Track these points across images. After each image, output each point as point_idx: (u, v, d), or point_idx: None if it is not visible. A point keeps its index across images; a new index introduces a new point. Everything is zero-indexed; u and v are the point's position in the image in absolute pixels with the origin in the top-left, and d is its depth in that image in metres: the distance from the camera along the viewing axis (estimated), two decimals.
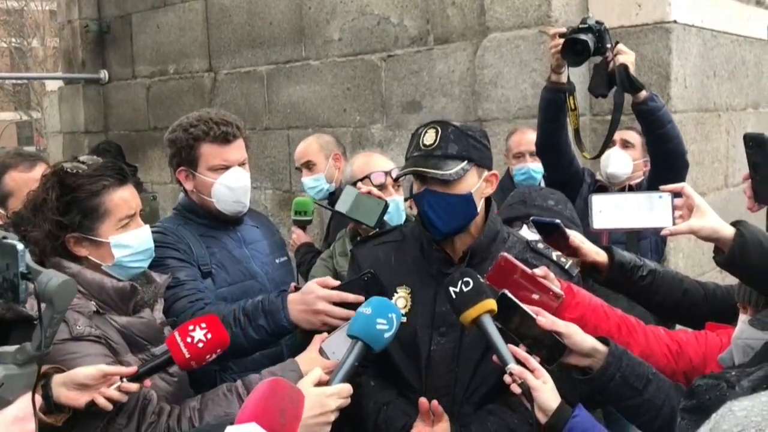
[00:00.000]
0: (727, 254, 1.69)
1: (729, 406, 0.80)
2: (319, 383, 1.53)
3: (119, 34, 6.93)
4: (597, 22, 2.76)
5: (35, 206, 1.81)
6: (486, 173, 1.86)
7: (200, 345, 1.60)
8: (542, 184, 3.56)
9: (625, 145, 3.37)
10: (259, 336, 2.01)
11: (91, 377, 1.55)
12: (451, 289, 1.66)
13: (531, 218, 2.05)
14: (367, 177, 2.61)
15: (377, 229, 2.25)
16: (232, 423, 1.22)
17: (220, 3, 5.91)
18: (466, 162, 1.78)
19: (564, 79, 2.89)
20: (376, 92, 4.97)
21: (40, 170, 2.30)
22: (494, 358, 1.62)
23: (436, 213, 1.78)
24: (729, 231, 1.71)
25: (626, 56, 2.75)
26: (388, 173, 2.61)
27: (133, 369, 1.61)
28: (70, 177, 1.81)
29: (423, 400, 1.76)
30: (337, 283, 1.93)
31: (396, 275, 1.90)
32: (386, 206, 2.33)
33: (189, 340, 1.60)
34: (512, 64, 4.20)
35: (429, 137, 1.79)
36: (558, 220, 2.03)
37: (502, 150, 4.22)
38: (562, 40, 2.76)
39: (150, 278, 1.96)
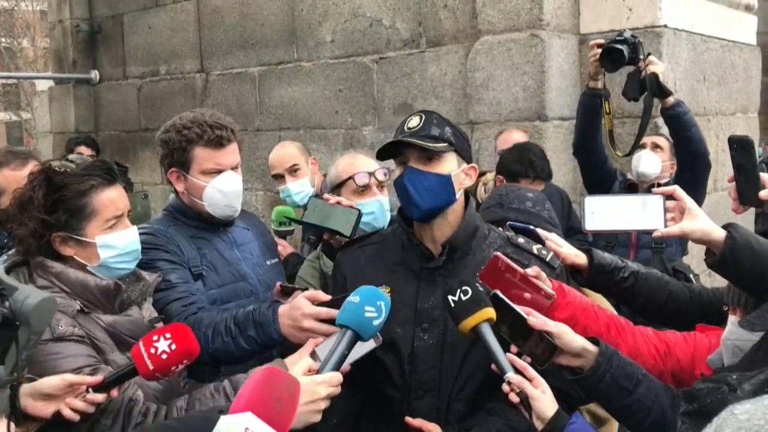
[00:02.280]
0: (718, 256, 1.70)
1: (731, 409, 0.79)
2: (309, 372, 1.52)
3: (110, 34, 6.90)
4: (632, 35, 3.23)
5: (22, 204, 1.79)
6: (465, 165, 1.90)
7: (164, 356, 1.56)
8: None
9: (655, 147, 3.67)
10: (250, 346, 1.99)
11: (56, 387, 1.53)
12: (450, 297, 1.65)
13: (507, 223, 2.06)
14: (351, 178, 2.59)
15: (350, 238, 2.22)
16: (222, 412, 1.20)
17: (212, 4, 5.90)
18: (446, 145, 1.83)
19: (600, 85, 3.32)
20: (368, 94, 4.97)
21: (31, 168, 2.29)
22: (493, 366, 1.62)
23: (416, 189, 1.81)
24: (720, 233, 1.72)
25: (656, 66, 3.19)
26: (372, 174, 2.58)
27: (98, 378, 1.58)
28: (57, 176, 1.79)
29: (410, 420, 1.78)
30: (327, 297, 1.90)
31: (377, 275, 1.90)
32: (360, 215, 2.31)
33: (153, 351, 1.55)
34: (504, 67, 4.21)
35: (413, 121, 1.85)
36: (532, 226, 2.05)
37: (493, 152, 4.23)
38: (600, 50, 3.18)
39: (139, 276, 1.95)
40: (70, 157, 1.86)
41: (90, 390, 1.56)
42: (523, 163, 3.15)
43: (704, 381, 1.05)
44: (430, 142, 1.80)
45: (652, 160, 3.60)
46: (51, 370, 1.61)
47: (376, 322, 1.59)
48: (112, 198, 1.83)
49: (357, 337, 1.58)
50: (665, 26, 4.11)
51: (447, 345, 1.83)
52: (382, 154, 1.89)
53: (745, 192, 1.84)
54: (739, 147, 1.84)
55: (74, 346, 1.69)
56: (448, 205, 1.86)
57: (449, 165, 1.85)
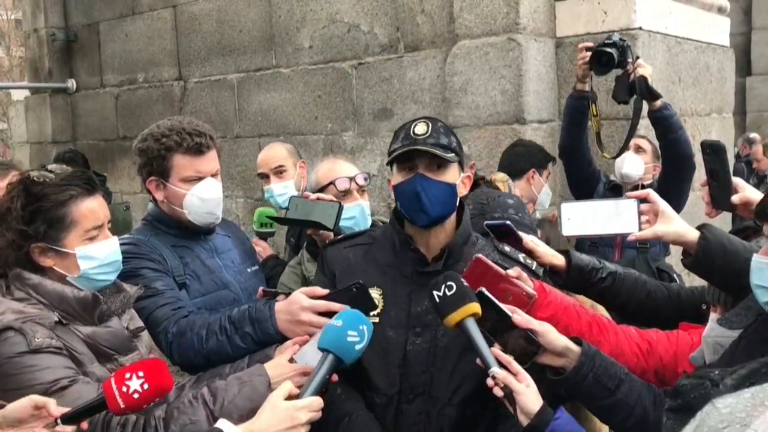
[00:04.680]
0: (692, 257, 1.73)
1: (713, 403, 0.81)
2: (289, 396, 1.52)
3: (87, 42, 6.84)
4: (621, 39, 3.25)
5: (0, 215, 1.77)
6: (462, 174, 1.92)
7: (135, 396, 1.49)
8: None
9: (638, 150, 3.72)
10: (245, 344, 1.98)
11: (23, 410, 1.48)
12: (435, 293, 1.67)
13: (485, 222, 2.07)
14: (332, 183, 2.58)
15: (334, 232, 2.21)
16: None
17: (190, 11, 5.87)
18: (453, 154, 1.84)
19: (588, 88, 3.37)
20: (347, 100, 4.97)
21: (11, 178, 2.25)
22: (478, 361, 1.63)
23: (428, 197, 1.81)
24: (693, 235, 1.75)
25: (645, 69, 3.23)
26: (352, 179, 2.58)
27: (65, 410, 1.50)
28: (36, 186, 1.77)
29: None
30: (325, 292, 1.90)
31: (367, 277, 1.91)
32: (341, 207, 2.30)
33: (125, 389, 1.49)
34: (481, 71, 4.23)
35: (420, 128, 1.84)
36: (508, 221, 2.07)
37: (472, 157, 4.25)
38: (589, 53, 3.22)
39: (120, 287, 1.92)
40: (50, 166, 1.83)
41: (59, 422, 1.49)
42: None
43: (688, 377, 1.07)
44: (441, 150, 1.81)
45: (636, 162, 3.65)
46: (27, 383, 1.59)
47: (358, 347, 1.59)
48: (92, 208, 1.81)
49: (338, 362, 1.57)
50: (640, 29, 4.16)
51: (439, 349, 1.84)
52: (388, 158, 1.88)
53: (718, 197, 1.88)
54: (712, 152, 1.87)
55: (51, 358, 1.65)
56: (451, 213, 1.89)
57: (454, 174, 1.87)
